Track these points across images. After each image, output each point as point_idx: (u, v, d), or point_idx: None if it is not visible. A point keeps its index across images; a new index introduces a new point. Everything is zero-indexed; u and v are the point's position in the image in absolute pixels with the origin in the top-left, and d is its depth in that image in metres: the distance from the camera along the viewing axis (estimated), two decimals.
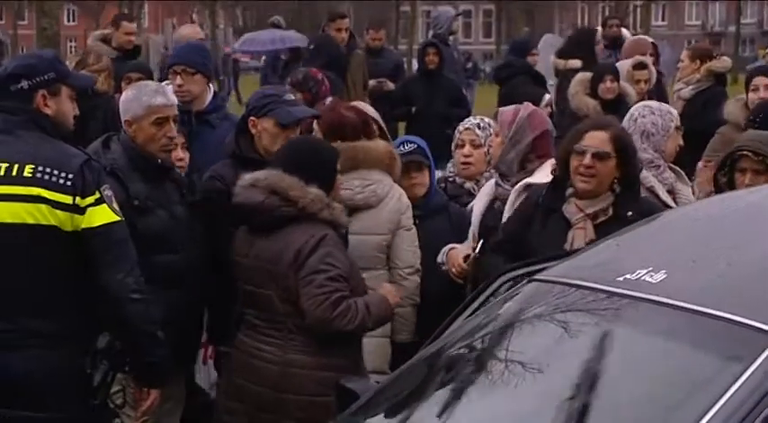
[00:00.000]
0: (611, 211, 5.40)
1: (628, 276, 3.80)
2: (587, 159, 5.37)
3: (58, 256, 4.75)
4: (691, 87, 10.56)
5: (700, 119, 9.65)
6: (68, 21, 71.19)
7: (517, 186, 6.05)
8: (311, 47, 11.95)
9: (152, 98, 5.53)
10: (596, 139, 5.41)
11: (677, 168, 6.52)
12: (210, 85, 7.46)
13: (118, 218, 4.79)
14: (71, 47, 49.24)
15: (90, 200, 4.74)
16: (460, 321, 4.57)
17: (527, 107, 6.31)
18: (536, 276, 4.27)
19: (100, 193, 4.78)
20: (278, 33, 18.68)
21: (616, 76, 9.94)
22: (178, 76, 7.18)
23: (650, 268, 3.79)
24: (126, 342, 4.85)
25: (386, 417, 4.02)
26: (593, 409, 3.60)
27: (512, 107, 6.29)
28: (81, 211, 4.71)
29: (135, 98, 5.49)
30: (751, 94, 8.97)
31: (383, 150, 6.15)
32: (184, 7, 71.61)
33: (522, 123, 6.06)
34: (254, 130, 5.93)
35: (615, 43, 13.24)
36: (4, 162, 4.68)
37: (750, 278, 3.66)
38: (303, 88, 7.74)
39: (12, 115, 4.77)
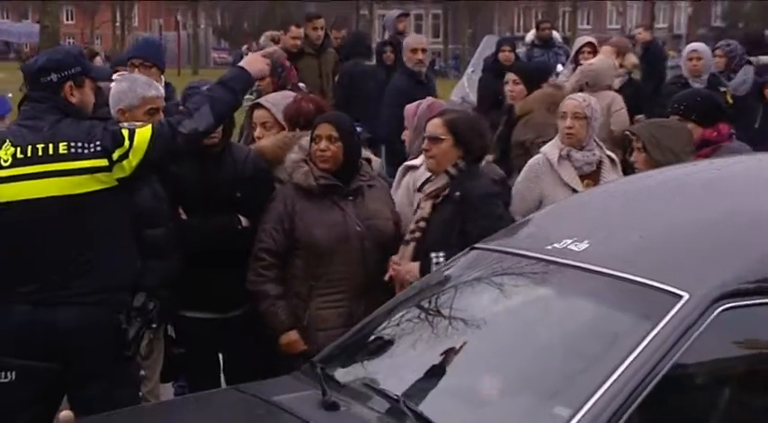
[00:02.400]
0: (447, 191, 5.20)
1: (555, 245, 3.82)
2: (425, 143, 5.33)
3: (101, 216, 4.67)
4: (618, 79, 10.55)
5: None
6: (67, 20, 70.36)
7: (400, 167, 6.03)
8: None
9: (146, 90, 5.49)
10: (432, 125, 5.31)
11: (613, 156, 6.39)
12: (162, 76, 7.38)
13: (150, 128, 4.72)
14: (69, 42, 48.68)
15: (125, 147, 4.65)
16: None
17: (428, 100, 6.26)
18: (476, 245, 4.29)
19: (126, 131, 4.69)
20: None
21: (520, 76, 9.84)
22: (136, 69, 7.10)
23: (575, 238, 3.80)
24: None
25: (343, 367, 4.00)
26: (524, 358, 3.63)
27: (416, 102, 6.25)
28: (119, 160, 4.64)
29: (130, 89, 5.43)
30: None
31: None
32: (169, 9, 70.93)
33: (422, 114, 5.99)
34: None
35: (547, 44, 13.39)
36: (39, 144, 4.63)
37: (659, 247, 3.69)
38: (272, 74, 7.71)
39: (40, 103, 4.75)
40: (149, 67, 7.16)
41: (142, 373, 4.98)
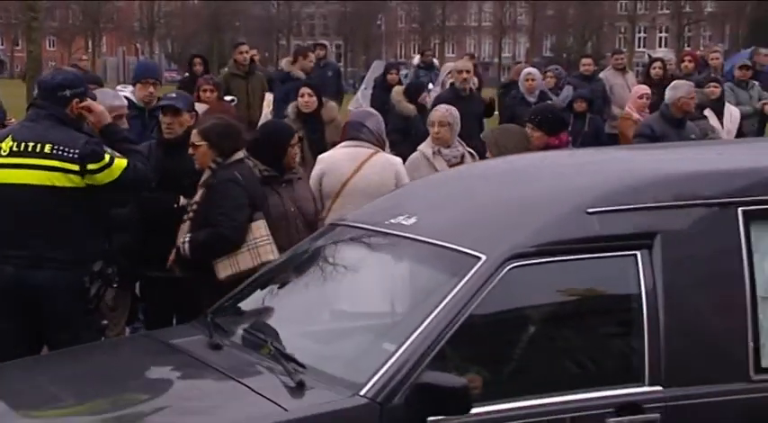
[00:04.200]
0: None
1: (392, 220, 3.80)
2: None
3: (71, 206, 4.57)
4: None
5: None
6: (49, 47, 68.58)
7: None
8: None
9: (113, 101, 5.44)
10: (192, 135, 5.12)
11: (472, 152, 6.50)
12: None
13: (126, 162, 4.64)
14: (51, 65, 47.60)
15: (102, 164, 4.56)
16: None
17: None
18: (334, 221, 4.25)
19: (108, 155, 4.61)
20: None
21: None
22: (150, 86, 7.06)
23: (407, 214, 3.79)
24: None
25: (228, 317, 3.93)
26: (362, 307, 3.64)
27: None
28: (91, 172, 4.54)
29: (100, 101, 5.28)
30: None
31: None
32: (131, 38, 69.62)
33: None
34: None
35: (430, 66, 14.21)
36: (31, 142, 4.57)
37: (467, 220, 3.69)
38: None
39: (41, 109, 4.69)
40: (154, 84, 7.13)
41: (104, 322, 4.87)
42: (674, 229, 3.51)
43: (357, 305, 3.67)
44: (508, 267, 3.29)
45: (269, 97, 10.73)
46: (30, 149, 4.55)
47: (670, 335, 3.40)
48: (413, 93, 9.77)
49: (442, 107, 6.78)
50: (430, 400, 3.01)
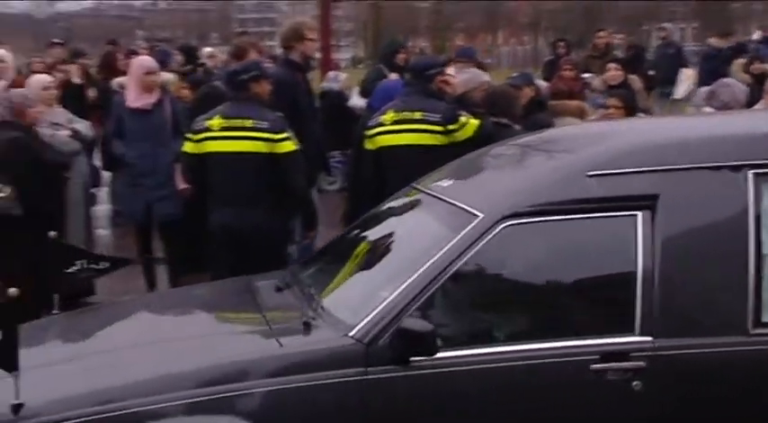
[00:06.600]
0: None
1: (439, 183, 4.17)
2: None
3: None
4: None
5: None
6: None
7: None
8: None
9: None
10: None
11: None
12: None
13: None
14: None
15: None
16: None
17: None
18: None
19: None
20: None
21: None
22: None
23: (450, 178, 4.18)
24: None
25: (305, 269, 4.37)
26: (381, 259, 3.99)
27: None
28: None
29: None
30: None
31: None
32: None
33: None
34: None
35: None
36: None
37: (484, 183, 4.04)
38: None
39: (411, 86, 5.95)
40: None
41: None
42: (679, 190, 3.66)
43: (383, 256, 4.01)
44: (503, 225, 3.55)
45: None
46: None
47: (665, 287, 3.54)
48: None
49: None
50: (406, 342, 3.35)
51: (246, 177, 5.53)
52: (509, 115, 5.87)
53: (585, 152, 3.89)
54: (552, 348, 3.52)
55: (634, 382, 3.52)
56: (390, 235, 4.17)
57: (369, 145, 5.98)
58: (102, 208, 8.95)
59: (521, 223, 3.61)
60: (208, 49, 12.64)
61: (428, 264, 3.55)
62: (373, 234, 4.27)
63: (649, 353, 3.54)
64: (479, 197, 3.80)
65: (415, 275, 3.54)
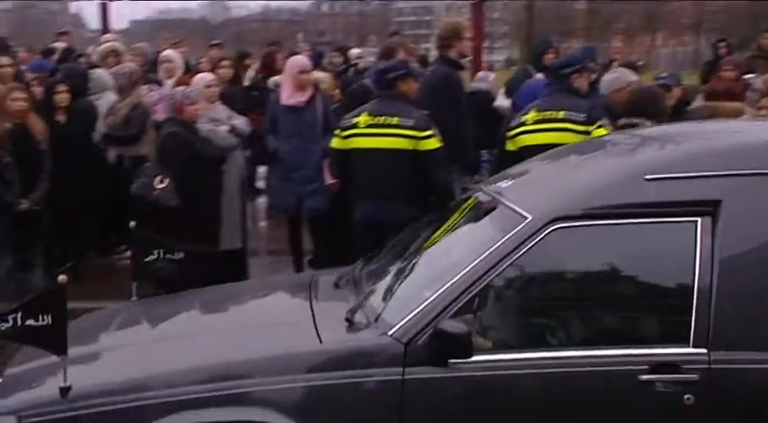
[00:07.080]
0: None
1: (500, 183, 4.13)
2: None
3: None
4: None
5: None
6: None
7: None
8: None
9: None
10: None
11: None
12: None
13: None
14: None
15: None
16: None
17: None
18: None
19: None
20: None
21: None
22: None
23: (510, 178, 4.15)
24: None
25: (366, 267, 4.36)
26: (438, 259, 3.91)
27: None
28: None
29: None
30: None
31: None
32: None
33: None
34: None
35: None
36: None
37: (540, 185, 3.94)
38: None
39: (553, 85, 5.91)
40: None
41: None
42: (741, 197, 3.49)
43: (434, 255, 3.97)
44: (552, 228, 3.46)
45: None
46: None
47: (722, 299, 3.40)
48: None
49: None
50: (444, 344, 3.31)
51: (389, 172, 5.62)
52: (653, 115, 5.63)
53: (645, 155, 3.74)
54: (597, 356, 3.41)
55: (686, 396, 3.38)
56: (446, 234, 4.13)
57: (510, 145, 5.85)
58: (263, 200, 9.17)
59: (572, 226, 3.51)
60: (356, 50, 12.79)
61: (472, 265, 3.49)
62: (431, 232, 4.23)
63: (703, 366, 3.39)
64: (531, 199, 3.73)
65: (458, 276, 3.49)
